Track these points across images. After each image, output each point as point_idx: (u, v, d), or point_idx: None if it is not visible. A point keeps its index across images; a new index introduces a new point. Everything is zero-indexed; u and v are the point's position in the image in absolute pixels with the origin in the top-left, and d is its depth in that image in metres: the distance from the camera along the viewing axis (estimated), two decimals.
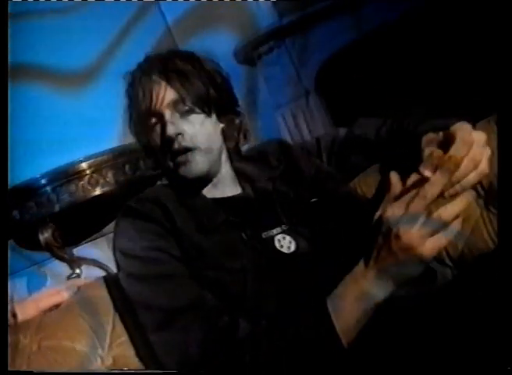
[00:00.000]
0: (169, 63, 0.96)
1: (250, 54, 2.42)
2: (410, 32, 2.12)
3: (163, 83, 0.94)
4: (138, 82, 0.96)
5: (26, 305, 1.03)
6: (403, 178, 0.79)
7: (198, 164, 0.94)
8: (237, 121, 1.02)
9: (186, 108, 0.94)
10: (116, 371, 0.87)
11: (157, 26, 2.49)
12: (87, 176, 1.97)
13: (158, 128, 0.95)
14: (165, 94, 0.94)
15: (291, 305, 0.85)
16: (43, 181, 1.96)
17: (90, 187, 1.98)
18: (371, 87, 2.20)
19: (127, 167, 2.01)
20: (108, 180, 1.99)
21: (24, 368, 0.94)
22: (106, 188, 1.98)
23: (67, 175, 1.97)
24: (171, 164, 0.95)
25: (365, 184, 1.07)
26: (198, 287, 0.88)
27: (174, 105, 0.94)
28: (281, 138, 1.17)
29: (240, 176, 1.03)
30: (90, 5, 2.25)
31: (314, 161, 1.06)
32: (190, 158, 0.94)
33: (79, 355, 0.96)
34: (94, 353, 0.98)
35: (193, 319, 0.85)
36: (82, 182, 1.97)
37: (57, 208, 1.97)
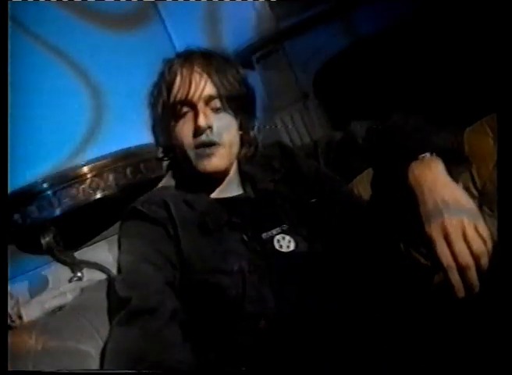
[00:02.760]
0: (212, 59, 0.99)
1: (248, 57, 2.43)
2: (408, 35, 2.13)
3: (205, 76, 0.97)
4: (178, 68, 0.98)
5: (31, 307, 1.04)
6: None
7: (220, 159, 0.97)
8: (252, 134, 1.05)
9: (219, 105, 0.97)
10: (115, 371, 0.88)
11: (154, 28, 2.50)
12: (88, 180, 1.98)
13: (188, 117, 0.97)
14: (205, 88, 0.96)
15: (290, 304, 0.87)
16: (44, 185, 1.96)
17: (91, 191, 1.98)
18: (369, 90, 2.21)
19: (128, 171, 2.02)
20: (109, 183, 2.00)
21: (30, 369, 0.95)
22: (107, 192, 1.99)
23: (68, 179, 1.97)
24: (192, 154, 0.97)
25: (362, 185, 1.09)
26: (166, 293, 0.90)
27: (209, 99, 0.97)
28: (281, 141, 1.19)
29: (243, 177, 1.05)
30: None
31: (313, 163, 1.07)
32: (213, 152, 0.96)
33: (83, 356, 0.97)
34: (98, 354, 0.99)
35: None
36: (83, 186, 1.98)
37: (58, 211, 1.97)
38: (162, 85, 0.99)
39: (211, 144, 0.96)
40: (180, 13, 2.52)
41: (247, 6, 2.48)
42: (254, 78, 2.41)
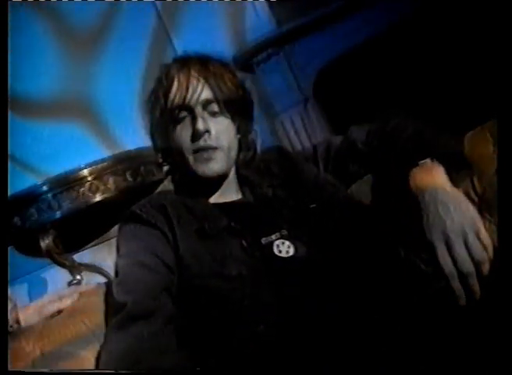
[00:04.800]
0: (209, 64, 0.99)
1: (248, 61, 2.43)
2: (408, 37, 2.13)
3: (202, 81, 0.97)
4: (176, 73, 0.98)
5: (29, 312, 1.04)
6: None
7: (219, 163, 0.97)
8: (251, 137, 1.05)
9: (216, 109, 0.97)
10: (113, 371, 0.88)
11: (154, 32, 2.50)
12: (88, 183, 1.98)
13: (186, 122, 0.97)
14: (202, 92, 0.96)
15: (289, 309, 0.87)
16: (44, 188, 1.97)
17: (90, 194, 1.98)
18: (370, 94, 2.21)
19: (128, 174, 2.02)
20: (108, 186, 2.00)
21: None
22: (107, 195, 1.99)
23: (68, 182, 1.98)
24: (190, 159, 0.97)
25: (361, 191, 1.09)
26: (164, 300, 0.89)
27: (206, 103, 0.97)
28: (280, 146, 1.19)
29: (242, 182, 1.05)
30: None
31: (313, 167, 1.07)
32: (212, 156, 0.96)
33: (81, 361, 0.97)
34: (96, 358, 0.99)
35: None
36: (83, 189, 1.98)
37: (58, 214, 1.98)
38: (160, 90, 1.00)
39: (209, 149, 0.96)
40: (179, 15, 2.53)
41: (248, 10, 2.48)
42: (254, 82, 2.41)
